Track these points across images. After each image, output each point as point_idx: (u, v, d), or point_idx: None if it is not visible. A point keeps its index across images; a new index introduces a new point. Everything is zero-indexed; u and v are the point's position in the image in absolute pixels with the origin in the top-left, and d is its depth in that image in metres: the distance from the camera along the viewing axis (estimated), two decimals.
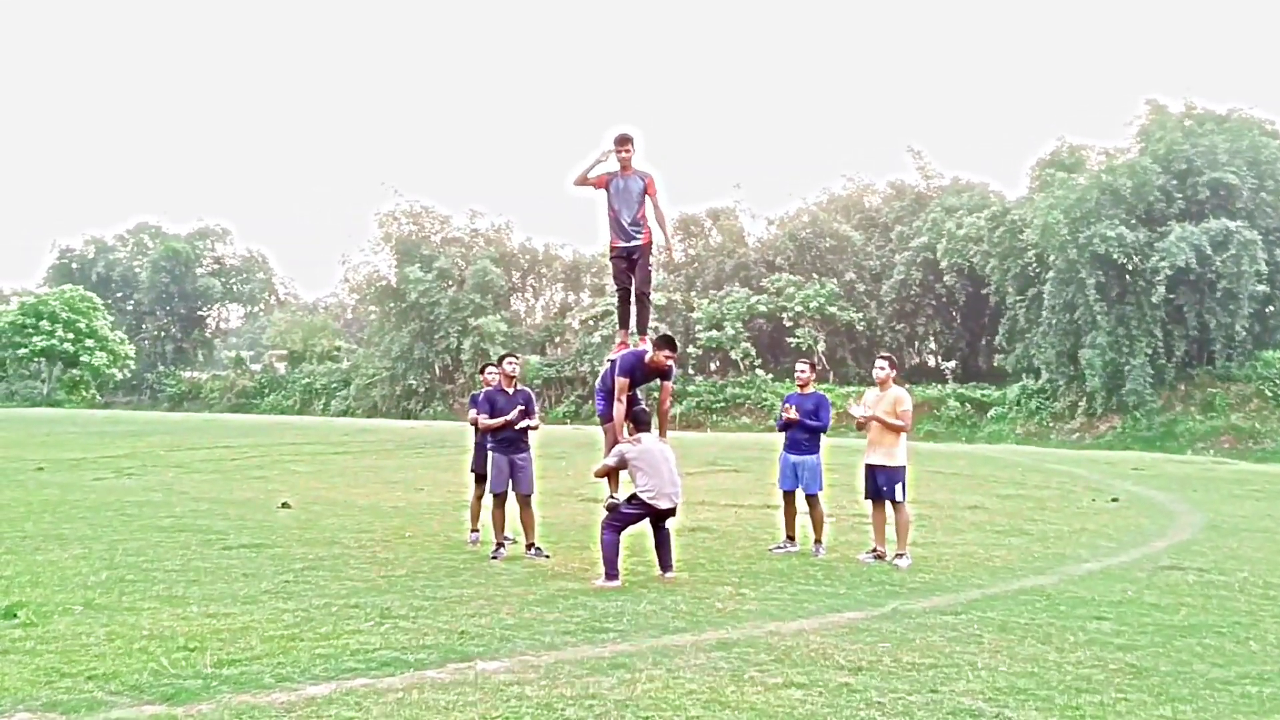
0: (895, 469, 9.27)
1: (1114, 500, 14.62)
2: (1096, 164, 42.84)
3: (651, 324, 9.22)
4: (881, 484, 9.32)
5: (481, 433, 9.70)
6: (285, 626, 6.29)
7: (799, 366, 10.16)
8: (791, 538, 9.98)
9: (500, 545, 9.43)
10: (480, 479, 9.98)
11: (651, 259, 9.01)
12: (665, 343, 8.51)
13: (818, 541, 9.78)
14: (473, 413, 9.96)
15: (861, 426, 9.52)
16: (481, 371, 10.72)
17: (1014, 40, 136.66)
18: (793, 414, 9.75)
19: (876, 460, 9.35)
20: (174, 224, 78.31)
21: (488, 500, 9.72)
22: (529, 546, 9.51)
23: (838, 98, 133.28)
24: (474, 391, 10.31)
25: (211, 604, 7.03)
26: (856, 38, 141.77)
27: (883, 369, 9.52)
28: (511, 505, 9.60)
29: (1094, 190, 38.92)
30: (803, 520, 10.01)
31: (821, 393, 10.14)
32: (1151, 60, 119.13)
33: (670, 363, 8.51)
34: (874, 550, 9.44)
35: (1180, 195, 38.85)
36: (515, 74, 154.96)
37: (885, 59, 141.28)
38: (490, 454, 9.57)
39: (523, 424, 9.43)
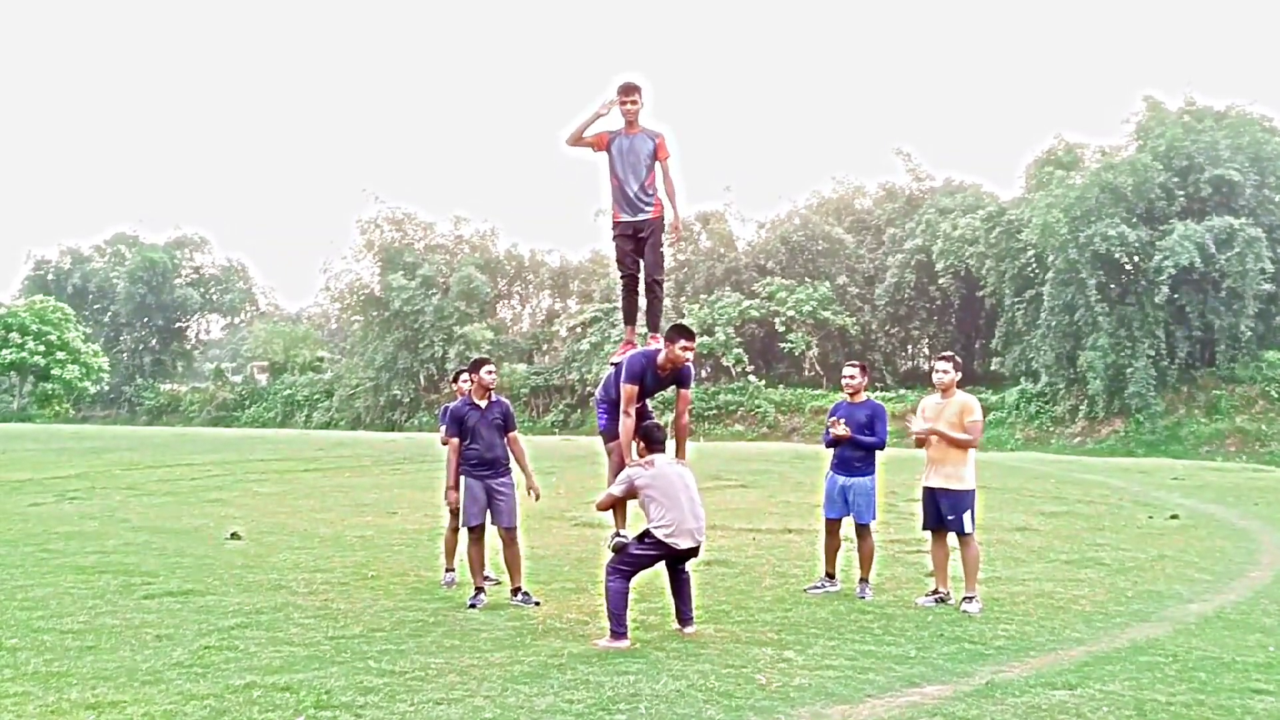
0: (962, 493, 7.63)
1: (1173, 517, 13.07)
2: (1093, 162, 41.75)
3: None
4: (945, 512, 7.67)
5: (458, 454, 7.98)
6: None
7: (847, 370, 8.41)
8: (831, 575, 8.35)
9: (479, 590, 7.77)
10: (456, 510, 8.26)
11: (665, 237, 7.36)
12: (680, 332, 6.84)
13: (864, 580, 8.14)
14: (443, 430, 8.27)
15: (921, 443, 7.91)
16: (455, 380, 8.96)
17: (1000, 39, 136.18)
18: (842, 429, 8.09)
19: (939, 483, 7.71)
20: (151, 233, 76.42)
21: (465, 533, 8.07)
22: (514, 591, 7.86)
23: (825, 98, 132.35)
24: (446, 403, 8.57)
25: (100, 685, 5.38)
26: (842, 37, 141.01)
27: (946, 372, 7.82)
28: (493, 539, 7.99)
29: (1094, 188, 37.81)
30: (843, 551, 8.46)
31: (877, 401, 8.44)
32: (1144, 57, 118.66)
33: (688, 358, 6.88)
34: (935, 592, 7.82)
35: (1182, 193, 37.80)
36: (499, 78, 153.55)
37: (871, 59, 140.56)
38: (463, 479, 7.87)
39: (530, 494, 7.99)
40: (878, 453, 8.24)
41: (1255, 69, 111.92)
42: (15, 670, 5.72)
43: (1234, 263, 35.39)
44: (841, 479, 8.23)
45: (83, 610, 7.32)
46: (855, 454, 8.16)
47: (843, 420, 8.14)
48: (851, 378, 8.36)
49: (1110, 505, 14.46)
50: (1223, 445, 35.39)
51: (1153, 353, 37.09)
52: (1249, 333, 36.96)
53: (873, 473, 8.24)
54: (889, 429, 8.47)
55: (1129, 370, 37.12)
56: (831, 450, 8.35)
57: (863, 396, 8.35)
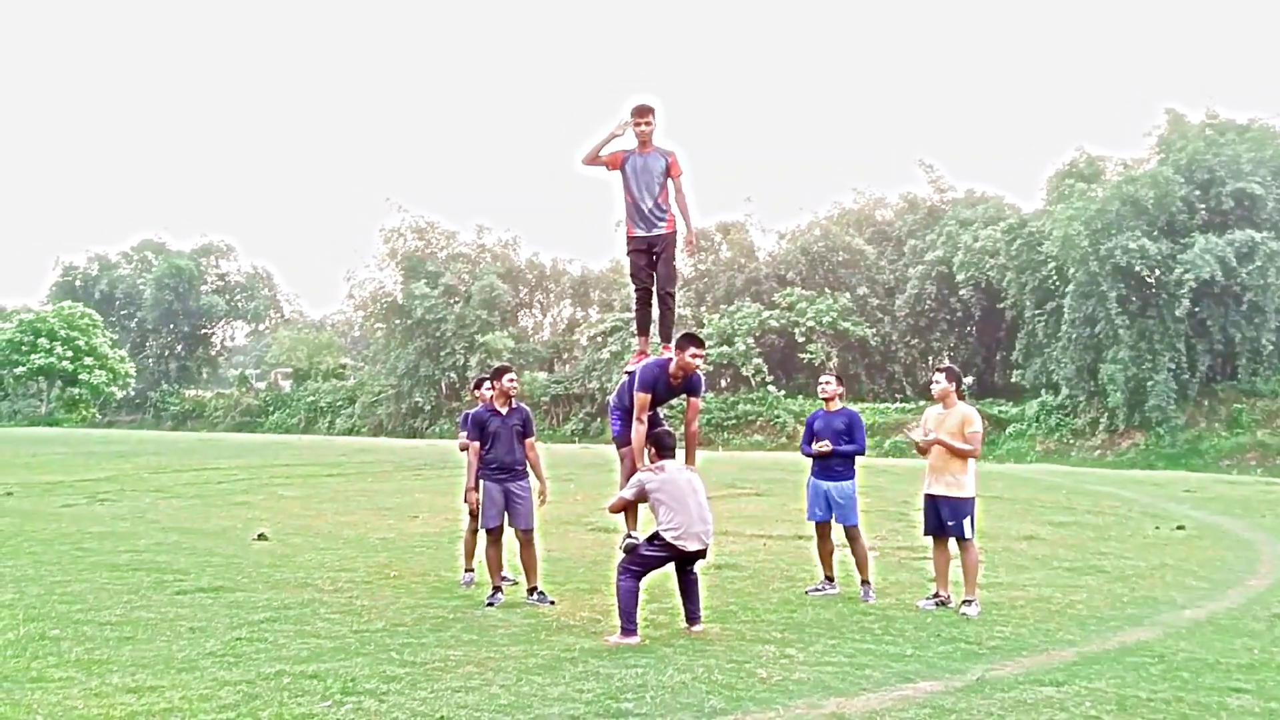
0: (963, 501, 7.90)
1: (1179, 528, 13.23)
2: (1115, 174, 41.73)
3: None
4: (946, 518, 7.94)
5: (478, 458, 8.31)
6: (219, 708, 4.99)
7: (823, 379, 8.72)
8: (830, 578, 8.64)
9: (497, 589, 8.10)
10: (475, 512, 8.60)
11: (676, 251, 7.69)
12: (690, 340, 7.16)
13: (865, 583, 8.40)
14: (463, 436, 8.61)
15: (923, 451, 8.19)
16: (477, 387, 9.32)
17: (1022, 51, 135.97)
18: (824, 447, 8.40)
19: (939, 490, 7.98)
20: (178, 240, 77.58)
21: (484, 535, 8.40)
22: (531, 590, 8.18)
23: (847, 109, 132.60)
24: (465, 410, 8.91)
25: (139, 672, 5.73)
26: (864, 50, 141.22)
27: (939, 383, 8.12)
28: (510, 540, 8.31)
29: (1115, 201, 37.77)
30: (840, 555, 8.73)
31: (852, 409, 8.75)
32: (1166, 69, 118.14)
33: (699, 365, 7.16)
34: (936, 595, 8.08)
35: (1203, 206, 37.76)
36: (522, 88, 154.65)
37: (893, 70, 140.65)
38: (482, 483, 8.22)
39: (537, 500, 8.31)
40: (858, 457, 8.56)
41: (1278, 82, 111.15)
42: (59, 658, 6.08)
43: (1255, 276, 35.35)
44: (824, 483, 8.52)
45: (119, 604, 7.69)
46: (835, 459, 8.46)
47: (826, 442, 8.42)
48: (828, 384, 8.67)
49: (1119, 516, 14.62)
50: (1243, 459, 35.21)
51: (1173, 366, 37.02)
52: (1270, 346, 36.89)
53: (853, 476, 8.55)
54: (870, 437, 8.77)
55: (1149, 383, 37.04)
56: (810, 458, 8.65)
57: (837, 404, 8.64)
